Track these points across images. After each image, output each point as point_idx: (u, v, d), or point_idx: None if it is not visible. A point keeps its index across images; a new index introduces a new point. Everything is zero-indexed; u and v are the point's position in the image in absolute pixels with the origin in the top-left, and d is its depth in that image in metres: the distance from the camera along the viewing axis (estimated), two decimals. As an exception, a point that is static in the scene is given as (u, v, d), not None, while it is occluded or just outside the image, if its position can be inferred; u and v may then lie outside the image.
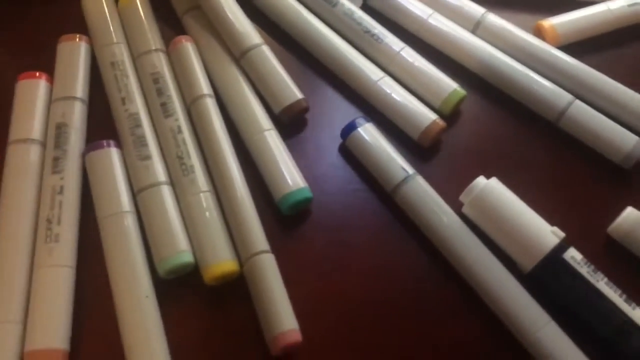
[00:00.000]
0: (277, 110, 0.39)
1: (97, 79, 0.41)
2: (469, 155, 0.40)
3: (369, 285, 0.35)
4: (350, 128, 0.39)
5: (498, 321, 0.34)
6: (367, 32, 0.42)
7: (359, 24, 0.43)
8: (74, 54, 0.41)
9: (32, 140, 0.37)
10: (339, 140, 0.40)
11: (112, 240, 0.34)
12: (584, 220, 0.38)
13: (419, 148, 0.40)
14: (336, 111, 0.41)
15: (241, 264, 0.34)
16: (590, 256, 0.34)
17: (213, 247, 0.34)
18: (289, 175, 0.36)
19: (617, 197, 0.38)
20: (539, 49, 0.42)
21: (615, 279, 0.34)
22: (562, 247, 0.34)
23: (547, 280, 0.34)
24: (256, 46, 0.41)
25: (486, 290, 0.34)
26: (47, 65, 0.40)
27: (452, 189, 0.37)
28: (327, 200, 0.38)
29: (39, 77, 0.39)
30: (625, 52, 0.45)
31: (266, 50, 0.41)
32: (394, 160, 0.38)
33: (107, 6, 0.43)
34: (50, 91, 0.39)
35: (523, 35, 0.43)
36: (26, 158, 0.36)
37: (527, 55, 0.42)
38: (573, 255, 0.34)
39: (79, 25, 0.43)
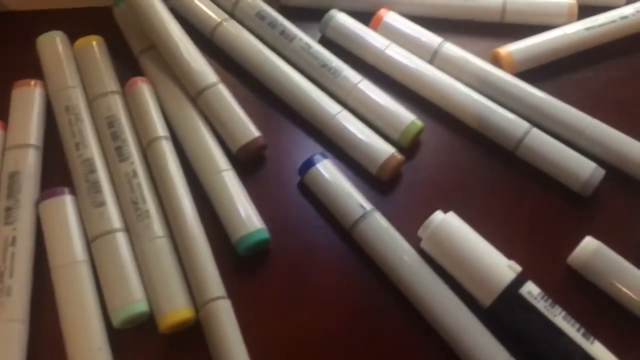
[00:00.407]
0: (234, 149, 0.39)
1: (53, 124, 0.40)
2: (428, 188, 0.40)
3: (327, 325, 0.35)
4: (308, 165, 0.39)
5: (457, 358, 0.33)
6: (324, 65, 0.42)
7: (316, 58, 0.43)
8: (28, 100, 0.40)
9: (-16, 191, 0.37)
10: (298, 177, 0.39)
11: (66, 290, 0.34)
12: (543, 250, 0.38)
13: (378, 182, 0.40)
14: (295, 147, 0.41)
15: (197, 310, 0.34)
16: (550, 287, 0.34)
17: (168, 295, 0.34)
18: (246, 217, 0.36)
19: (577, 225, 0.38)
20: (496, 77, 0.42)
21: (575, 310, 0.34)
22: (518, 281, 0.34)
23: (505, 315, 0.34)
24: (212, 85, 0.40)
25: (444, 327, 0.34)
26: (2, 111, 0.40)
27: (411, 223, 0.37)
28: (286, 240, 0.37)
29: (-8, 125, 0.39)
30: (583, 76, 0.45)
31: (222, 89, 0.41)
32: (351, 197, 0.37)
33: (62, 49, 0.43)
34: (5, 139, 0.39)
35: (480, 64, 0.43)
36: (-21, 209, 0.36)
37: (484, 84, 0.42)
38: (530, 289, 0.34)
39: (35, 69, 0.42)
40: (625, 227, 0.38)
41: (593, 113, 0.41)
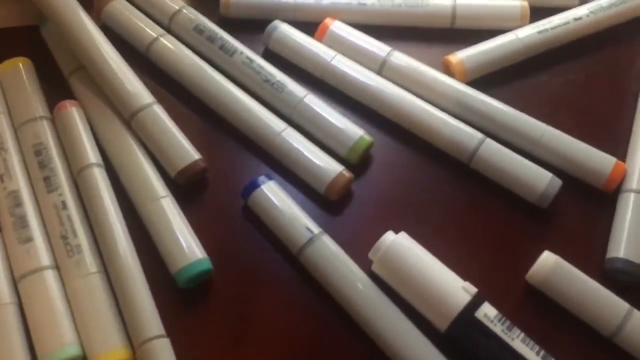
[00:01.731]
0: (172, 173, 0.37)
1: (-23, 153, 0.38)
2: (380, 206, 0.38)
3: (271, 357, 0.33)
4: (252, 187, 0.36)
5: (413, 388, 0.32)
6: (267, 80, 0.40)
7: (258, 72, 0.41)
8: (-52, 129, 0.38)
9: None
10: (242, 201, 0.37)
11: (-9, 336, 0.31)
12: (501, 267, 0.36)
13: (327, 202, 0.38)
14: (238, 169, 0.39)
15: (134, 351, 0.31)
16: (509, 306, 0.33)
17: (101, 336, 0.31)
18: (186, 246, 0.34)
19: (535, 239, 0.37)
20: (447, 87, 0.40)
21: (535, 329, 0.32)
22: (474, 304, 0.32)
23: (462, 340, 0.32)
24: (147, 106, 0.38)
25: (397, 355, 0.32)
26: None
27: (363, 245, 0.35)
28: (230, 269, 0.35)
29: None
30: (538, 81, 0.43)
31: (158, 110, 0.38)
32: (298, 220, 0.35)
33: (-15, 73, 0.40)
34: None
35: (430, 73, 0.41)
36: None
37: (435, 94, 0.40)
38: (486, 312, 0.32)
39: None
40: (585, 237, 0.37)
41: (550, 117, 0.40)
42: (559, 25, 0.43)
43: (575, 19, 0.43)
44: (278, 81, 0.40)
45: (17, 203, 0.35)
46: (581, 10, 0.44)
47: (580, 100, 0.43)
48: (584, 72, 0.44)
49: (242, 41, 0.43)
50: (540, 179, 0.37)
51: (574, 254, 0.35)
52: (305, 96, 0.40)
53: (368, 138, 0.39)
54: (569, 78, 0.44)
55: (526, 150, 0.39)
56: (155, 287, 0.33)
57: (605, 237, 0.36)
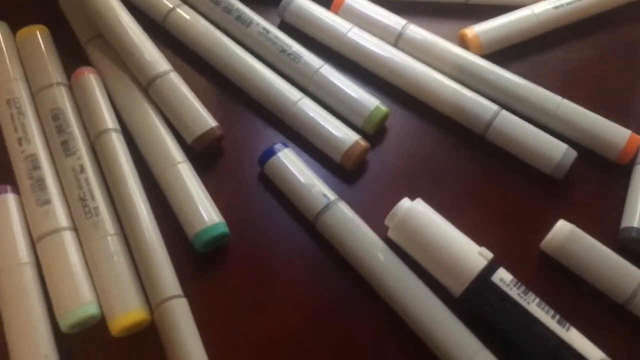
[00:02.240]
0: (189, 140, 0.37)
1: (-6, 119, 0.38)
2: (395, 175, 0.38)
3: (290, 324, 0.33)
4: (268, 154, 0.37)
5: (428, 350, 0.32)
6: (283, 51, 0.40)
7: (274, 43, 0.41)
8: (-33, 94, 0.38)
9: None
10: (258, 168, 0.37)
11: (10, 295, 0.32)
12: (516, 235, 0.36)
13: (343, 171, 0.38)
14: (254, 137, 0.39)
15: (152, 311, 0.32)
16: (524, 273, 0.33)
17: (119, 296, 0.32)
18: (203, 211, 0.34)
19: (550, 209, 0.37)
20: (463, 59, 0.40)
21: (550, 296, 0.32)
22: (490, 269, 0.32)
23: (478, 304, 0.32)
24: (164, 73, 0.38)
25: (414, 319, 0.32)
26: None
27: (378, 212, 0.35)
28: (246, 234, 0.35)
29: None
30: (553, 56, 0.43)
31: (175, 78, 0.38)
32: (314, 187, 0.35)
33: (3, 39, 0.40)
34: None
35: (446, 46, 0.41)
36: None
37: (451, 67, 0.40)
38: (502, 277, 0.32)
39: (-25, 61, 0.40)
40: (599, 208, 0.37)
41: (564, 93, 0.40)
42: (574, 1, 0.43)
43: (591, -5, 0.44)
44: (294, 52, 0.40)
45: (35, 166, 0.35)
46: (597, -13, 0.44)
47: (595, 76, 0.43)
48: (599, 48, 0.44)
49: (258, 13, 0.43)
50: (555, 150, 0.37)
51: (588, 224, 0.35)
52: (321, 67, 0.40)
53: (384, 108, 0.39)
54: (583, 54, 0.44)
55: (542, 123, 0.39)
56: (174, 251, 0.34)
57: (619, 208, 0.37)
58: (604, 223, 0.36)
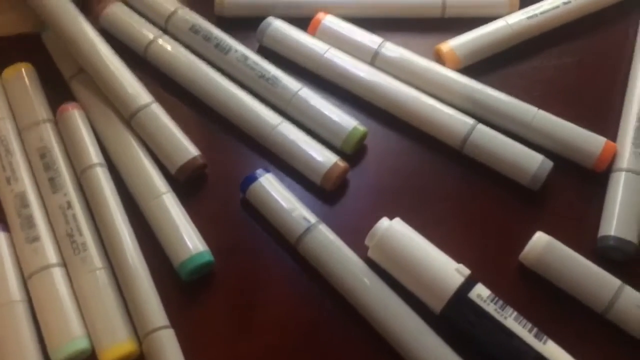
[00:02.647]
0: (172, 170, 0.38)
1: (-16, 158, 0.39)
2: (375, 194, 0.39)
3: (277, 346, 0.34)
4: (250, 180, 0.38)
5: (411, 370, 0.32)
6: (262, 76, 0.41)
7: (253, 69, 0.42)
8: (-44, 135, 0.39)
9: None
10: (241, 194, 0.38)
11: (3, 331, 0.33)
12: (495, 249, 0.37)
13: (324, 192, 0.39)
14: (236, 163, 0.40)
15: (140, 342, 0.33)
16: (503, 287, 0.34)
17: (108, 329, 0.33)
18: (187, 240, 0.35)
19: (528, 221, 0.37)
20: (438, 75, 0.41)
21: (529, 308, 0.33)
22: (467, 285, 0.33)
23: (457, 321, 0.33)
24: (145, 106, 0.39)
25: (395, 338, 0.33)
26: None
27: (361, 232, 0.36)
28: (230, 260, 0.36)
29: None
30: (529, 66, 0.44)
31: (156, 109, 0.39)
32: (295, 210, 0.36)
33: (-11, 80, 0.41)
34: None
35: (421, 62, 0.42)
36: None
37: (427, 83, 0.41)
38: (479, 292, 0.33)
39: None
40: (577, 217, 0.38)
41: (542, 101, 0.40)
42: (548, 10, 0.44)
43: (565, 3, 0.44)
44: (272, 76, 0.41)
45: (24, 204, 0.36)
46: (570, -6, 0.45)
47: (572, 84, 0.43)
48: (575, 55, 0.44)
49: (237, 39, 0.44)
50: (531, 162, 0.38)
51: (566, 234, 0.36)
52: (299, 90, 0.41)
53: (362, 128, 0.39)
54: (561, 62, 0.44)
55: (518, 134, 0.39)
56: (159, 280, 0.35)
57: (597, 216, 0.37)
58: (582, 232, 0.37)
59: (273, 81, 0.41)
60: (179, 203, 0.37)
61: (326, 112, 0.40)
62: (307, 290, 0.35)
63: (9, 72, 0.42)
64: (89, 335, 0.33)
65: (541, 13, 0.44)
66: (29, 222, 0.36)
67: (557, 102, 0.41)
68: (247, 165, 0.40)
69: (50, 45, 0.44)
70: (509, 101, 0.40)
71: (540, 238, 0.35)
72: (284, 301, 0.35)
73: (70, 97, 0.42)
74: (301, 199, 0.37)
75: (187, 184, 0.38)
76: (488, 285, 0.33)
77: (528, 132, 0.39)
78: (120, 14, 0.45)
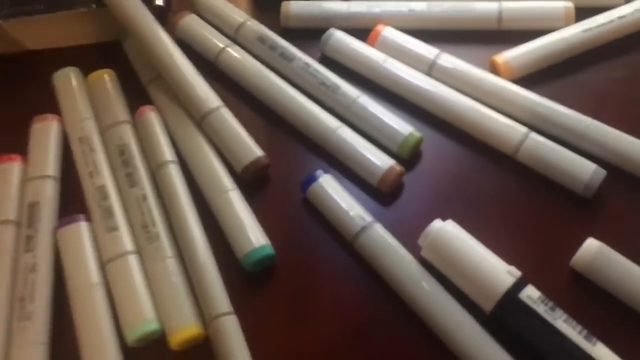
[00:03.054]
0: (238, 169, 0.41)
1: (70, 154, 0.43)
2: (429, 197, 0.41)
3: (332, 338, 0.35)
4: (310, 181, 0.40)
5: (461, 365, 0.34)
6: (323, 83, 0.44)
7: (315, 76, 0.44)
8: (46, 134, 0.43)
9: (7, 221, 0.39)
10: (301, 194, 0.40)
11: (83, 312, 0.35)
12: (546, 254, 0.38)
13: (380, 194, 0.40)
14: (297, 164, 0.42)
15: (206, 326, 0.35)
16: (553, 291, 0.34)
17: (177, 313, 0.35)
18: (251, 234, 0.37)
19: (580, 228, 0.38)
20: (493, 85, 0.42)
21: (579, 313, 0.33)
22: (518, 286, 0.34)
23: (507, 321, 0.34)
24: (215, 109, 0.42)
25: (447, 335, 0.34)
26: (23, 144, 0.43)
27: (413, 233, 0.37)
28: (291, 255, 0.38)
29: (14, 159, 0.42)
30: (584, 78, 0.45)
31: (225, 112, 0.42)
32: (352, 210, 0.38)
33: (76, 84, 0.45)
34: (25, 171, 0.42)
35: (477, 73, 0.43)
36: (2, 238, 0.38)
37: (482, 92, 0.43)
38: (529, 294, 0.34)
39: (52, 104, 0.45)
40: (629, 227, 0.38)
41: (595, 114, 0.41)
42: (604, 24, 0.45)
43: (620, 17, 0.45)
44: (333, 83, 0.44)
45: (104, 196, 0.39)
46: (625, 9, 0.45)
47: (625, 97, 0.44)
48: (629, 68, 0.45)
49: (301, 49, 0.47)
50: (584, 170, 0.38)
51: (617, 241, 0.36)
52: (358, 97, 0.43)
53: (417, 134, 0.41)
54: (614, 75, 0.45)
55: (572, 144, 0.40)
56: (225, 270, 0.37)
57: (649, 225, 0.38)
58: (633, 240, 0.37)
59: (333, 88, 0.43)
60: (243, 200, 0.39)
61: (384, 118, 0.42)
62: (361, 286, 0.37)
63: (93, 77, 0.46)
64: (159, 318, 0.35)
65: (597, 27, 0.44)
66: (108, 212, 0.39)
67: (610, 114, 0.42)
68: (307, 167, 0.42)
69: (130, 53, 0.48)
70: (562, 110, 0.41)
71: (591, 244, 0.36)
72: (339, 295, 0.37)
73: (147, 100, 0.45)
74: (358, 199, 0.39)
75: (252, 182, 0.41)
76: (539, 289, 0.34)
77: (582, 142, 0.40)
78: (194, 25, 0.48)
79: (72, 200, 0.41)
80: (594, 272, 0.36)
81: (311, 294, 0.37)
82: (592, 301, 0.36)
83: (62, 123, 0.44)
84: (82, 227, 0.38)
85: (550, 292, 0.34)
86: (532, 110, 0.41)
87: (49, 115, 0.44)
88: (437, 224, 0.37)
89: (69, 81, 0.45)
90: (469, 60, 0.45)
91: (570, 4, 0.46)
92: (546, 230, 0.39)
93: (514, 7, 0.47)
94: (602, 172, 0.38)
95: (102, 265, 0.37)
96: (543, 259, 0.37)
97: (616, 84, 0.44)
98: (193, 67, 0.44)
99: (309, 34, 0.48)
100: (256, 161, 0.41)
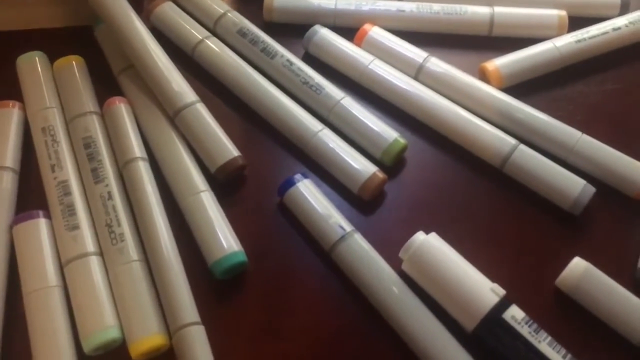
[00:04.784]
0: (212, 169, 0.38)
1: (31, 145, 0.40)
2: (412, 207, 0.39)
3: (304, 350, 0.34)
4: (288, 185, 0.38)
5: (439, 386, 0.32)
6: (306, 83, 0.42)
7: (297, 75, 0.42)
8: (6, 121, 0.40)
9: (-41, 214, 0.36)
10: (278, 198, 0.38)
11: (37, 316, 0.33)
12: (531, 271, 0.36)
13: (361, 201, 0.39)
14: (275, 167, 0.40)
15: (170, 336, 0.33)
16: (537, 310, 0.33)
17: (140, 321, 0.33)
18: (223, 239, 0.35)
19: (566, 245, 0.37)
20: (482, 93, 0.41)
21: (563, 334, 0.32)
22: (502, 306, 0.33)
23: (489, 340, 0.33)
24: (190, 104, 0.40)
25: (424, 353, 0.32)
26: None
27: (394, 244, 0.36)
28: (264, 262, 0.36)
29: (-31, 147, 0.39)
30: (574, 90, 0.44)
31: (201, 108, 0.40)
32: (331, 218, 0.36)
33: (41, 69, 0.42)
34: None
35: (465, 79, 0.42)
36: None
37: (470, 99, 0.41)
38: (514, 314, 0.32)
39: (14, 90, 0.42)
40: (617, 245, 0.37)
41: (585, 127, 0.40)
42: (597, 35, 0.44)
43: (614, 29, 0.44)
44: (317, 83, 0.42)
45: (66, 192, 0.37)
46: (620, 21, 0.44)
47: (615, 111, 0.43)
48: (621, 82, 0.44)
49: (283, 45, 0.44)
50: (573, 186, 0.37)
51: (605, 261, 0.35)
52: (342, 98, 0.41)
53: (402, 141, 0.39)
54: (606, 87, 0.44)
55: (560, 157, 0.39)
56: (193, 277, 0.35)
57: (636, 245, 0.36)
58: (620, 261, 0.36)
59: (316, 88, 0.41)
60: (216, 202, 0.37)
61: (368, 123, 0.40)
62: (337, 298, 0.35)
63: (60, 63, 0.43)
64: (121, 326, 0.33)
65: (590, 37, 0.43)
66: (70, 210, 0.36)
67: (600, 128, 0.41)
68: (286, 170, 0.40)
69: (101, 40, 0.45)
70: (552, 123, 0.40)
71: (578, 264, 0.35)
72: (313, 307, 0.35)
73: (117, 91, 0.42)
74: (337, 206, 0.37)
75: (226, 183, 0.39)
76: (522, 307, 0.33)
77: (570, 155, 0.39)
78: (170, 13, 0.46)
79: (31, 195, 0.38)
80: (580, 293, 0.35)
81: (284, 305, 0.35)
82: (576, 322, 0.34)
83: (23, 111, 0.41)
84: (41, 224, 0.36)
85: (533, 311, 0.33)
86: (518, 120, 0.40)
87: (10, 102, 0.41)
88: (420, 237, 0.35)
89: (33, 66, 0.42)
90: (457, 65, 0.43)
91: (564, 13, 0.45)
92: (531, 246, 0.37)
93: (506, 13, 0.45)
94: (591, 189, 0.37)
95: (61, 267, 0.35)
96: (528, 275, 0.36)
97: (608, 97, 0.43)
98: (168, 58, 0.42)
99: (293, 29, 0.46)
100: (232, 161, 0.38)
